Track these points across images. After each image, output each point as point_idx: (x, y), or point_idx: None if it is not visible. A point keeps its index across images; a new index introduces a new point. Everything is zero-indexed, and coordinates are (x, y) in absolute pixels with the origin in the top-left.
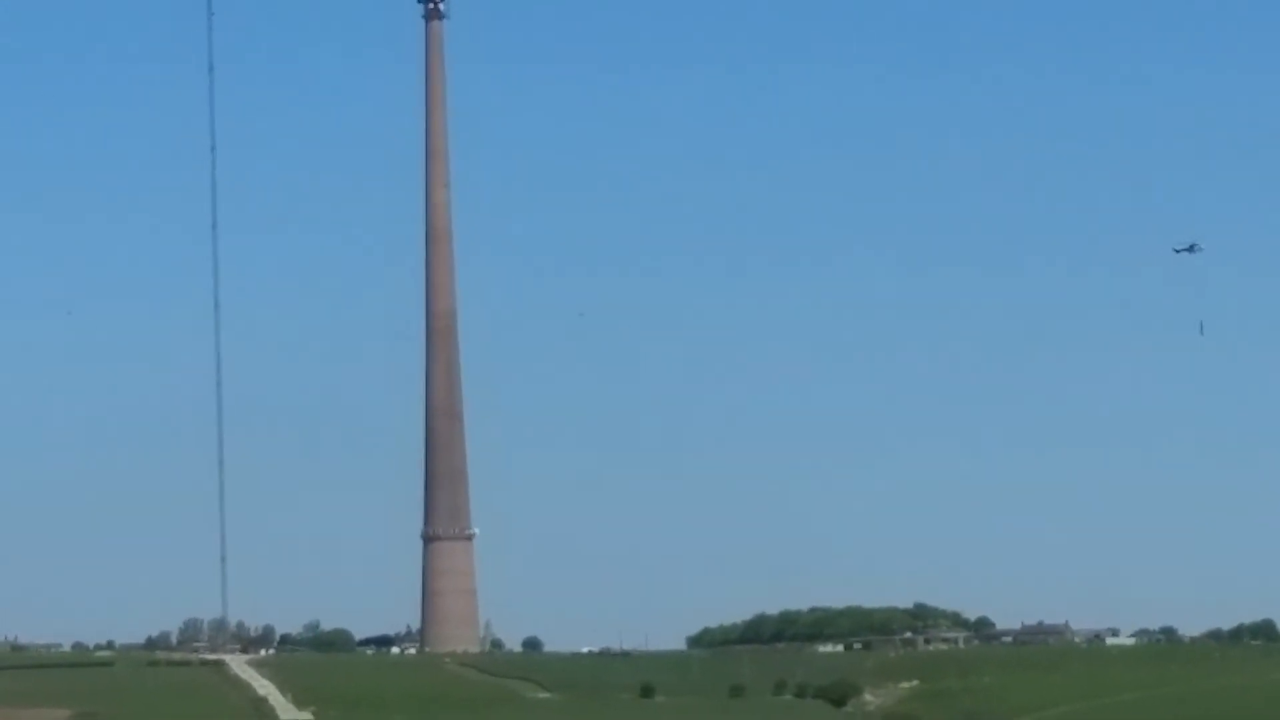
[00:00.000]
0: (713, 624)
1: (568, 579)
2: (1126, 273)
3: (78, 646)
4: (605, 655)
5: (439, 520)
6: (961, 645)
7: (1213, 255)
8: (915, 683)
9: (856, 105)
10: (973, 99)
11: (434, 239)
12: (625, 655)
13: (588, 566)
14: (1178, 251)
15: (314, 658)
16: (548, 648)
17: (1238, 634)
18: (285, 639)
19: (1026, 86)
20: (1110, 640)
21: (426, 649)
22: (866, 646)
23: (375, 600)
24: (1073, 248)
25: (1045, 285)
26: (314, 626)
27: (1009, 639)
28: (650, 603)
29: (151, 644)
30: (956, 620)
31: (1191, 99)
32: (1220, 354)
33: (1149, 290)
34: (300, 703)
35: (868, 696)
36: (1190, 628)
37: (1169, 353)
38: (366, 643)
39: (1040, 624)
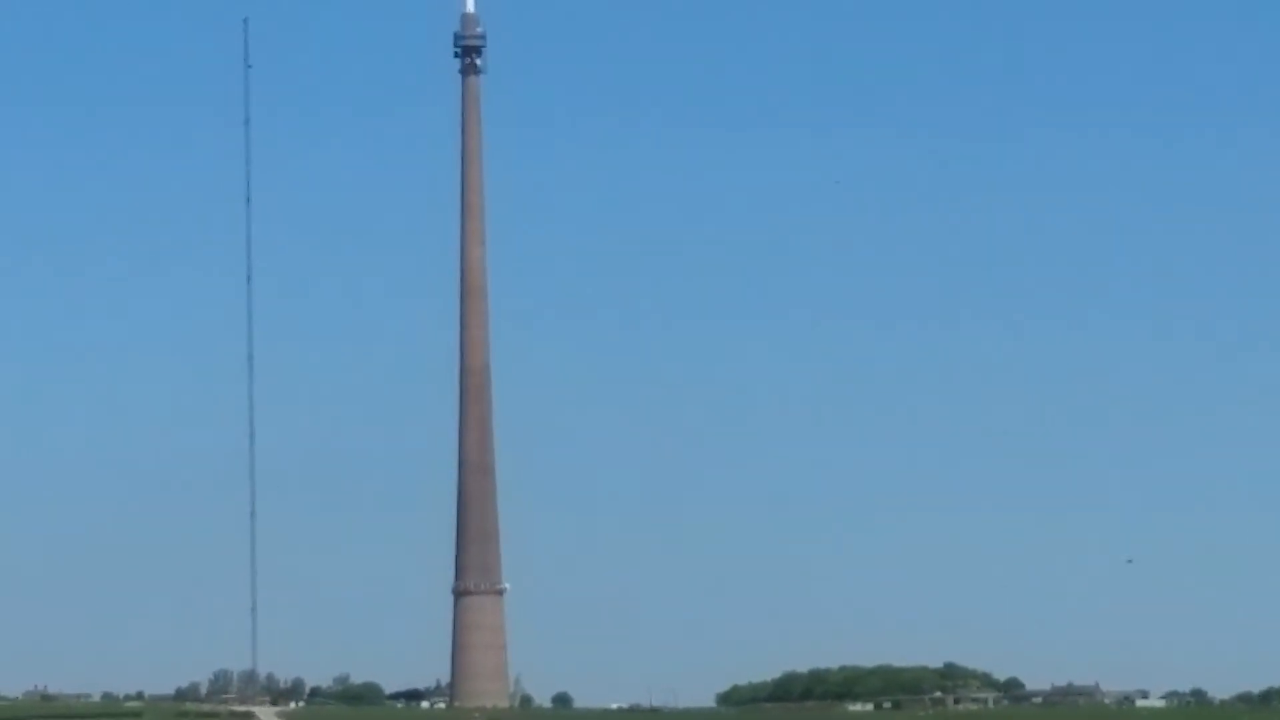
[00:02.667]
0: (742, 681)
1: (598, 635)
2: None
3: (107, 697)
4: (635, 712)
5: (470, 575)
6: (991, 705)
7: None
8: None
9: (903, 165)
10: (1019, 152)
11: (469, 295)
12: (655, 712)
13: (618, 622)
14: None
15: (344, 710)
16: (577, 703)
17: (1268, 696)
18: (315, 691)
19: (1093, 131)
20: (1140, 702)
21: (456, 703)
22: (896, 706)
23: (405, 654)
24: (1116, 305)
25: (1082, 346)
26: (344, 679)
27: (1039, 700)
28: (680, 659)
29: (181, 695)
30: (987, 680)
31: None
32: (1253, 415)
33: (1185, 353)
34: None
35: None
36: (1220, 690)
37: (1192, 414)
38: (396, 696)
39: (1070, 685)
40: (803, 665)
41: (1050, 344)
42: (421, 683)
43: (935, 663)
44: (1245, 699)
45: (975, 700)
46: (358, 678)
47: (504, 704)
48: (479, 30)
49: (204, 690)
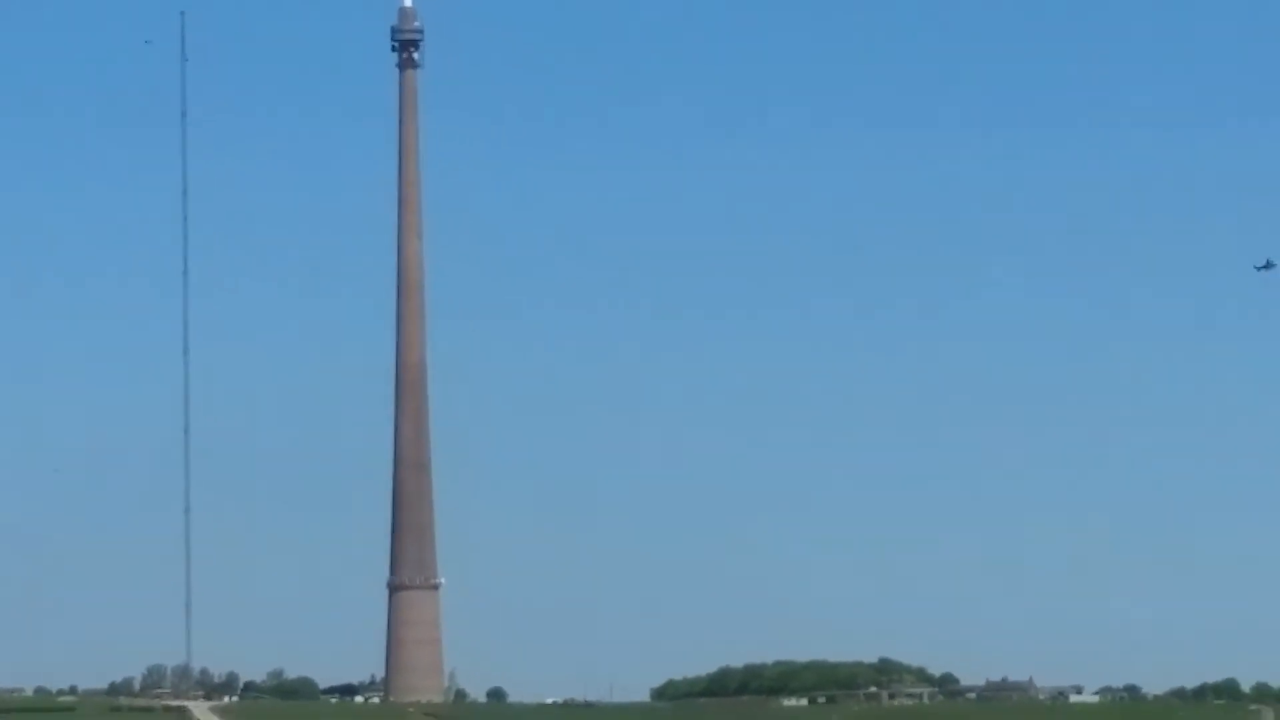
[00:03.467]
0: (677, 676)
1: (533, 629)
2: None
3: (40, 691)
4: (570, 706)
5: (405, 570)
6: (926, 701)
7: None
8: None
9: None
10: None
11: (405, 290)
12: (589, 706)
13: (553, 617)
14: (1259, 270)
15: (278, 705)
16: (512, 698)
17: (1201, 692)
18: (249, 686)
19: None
20: (1074, 698)
21: (391, 698)
22: (831, 700)
23: (340, 649)
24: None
25: (1010, 344)
26: (278, 674)
27: (973, 695)
28: (615, 654)
29: (115, 690)
30: (921, 676)
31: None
32: (1170, 417)
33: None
34: None
35: None
36: (1154, 686)
37: (1115, 417)
38: (330, 691)
39: (1005, 680)
40: (738, 660)
41: (979, 342)
42: (356, 678)
43: (870, 658)
44: (1179, 695)
45: (910, 695)
46: (292, 673)
47: (439, 699)
48: (416, 24)
49: (138, 685)
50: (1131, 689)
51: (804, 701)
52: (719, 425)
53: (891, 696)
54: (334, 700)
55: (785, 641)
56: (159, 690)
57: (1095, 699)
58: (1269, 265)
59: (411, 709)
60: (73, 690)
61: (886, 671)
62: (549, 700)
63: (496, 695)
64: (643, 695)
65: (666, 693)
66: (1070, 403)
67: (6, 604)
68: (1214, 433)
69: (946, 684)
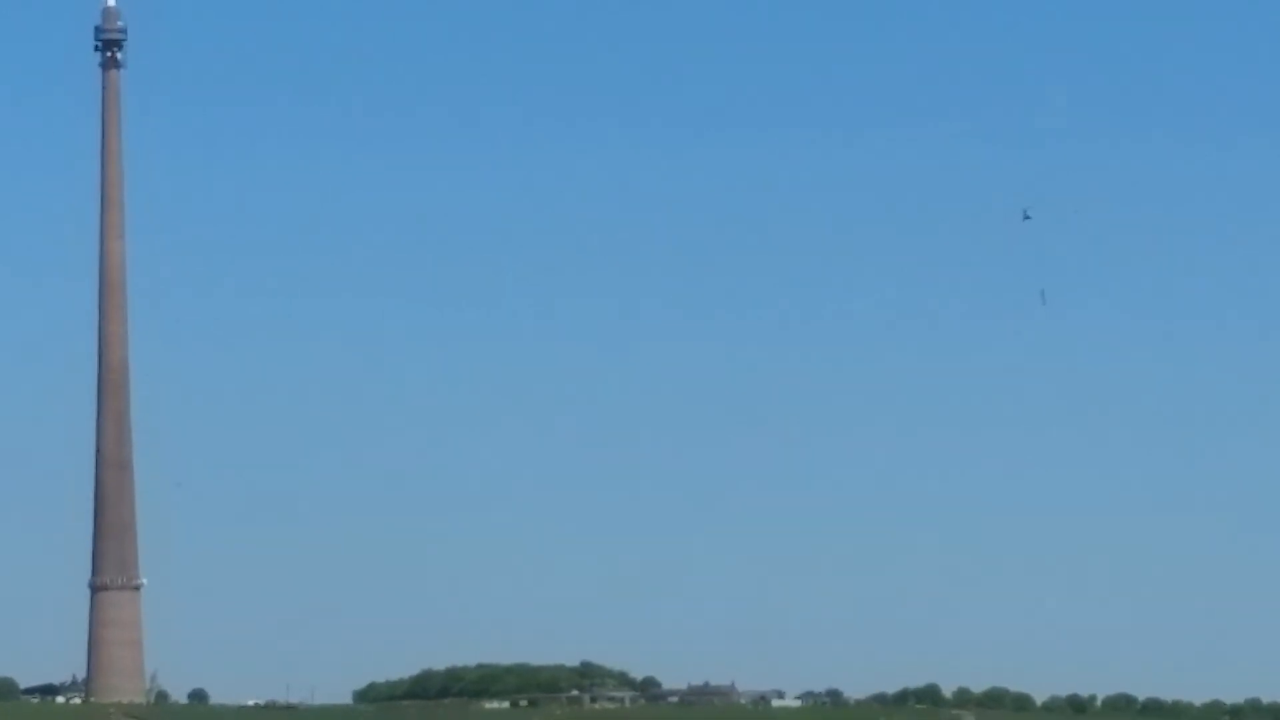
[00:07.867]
0: (379, 679)
1: (235, 631)
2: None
3: None
4: (271, 708)
5: (107, 570)
6: (628, 704)
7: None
8: None
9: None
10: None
11: (108, 290)
12: (291, 709)
13: (255, 618)
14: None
15: None
16: (214, 699)
17: (903, 697)
18: None
19: None
20: (776, 702)
21: (92, 699)
22: (533, 704)
23: (41, 649)
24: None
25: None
26: None
27: (675, 699)
28: (317, 656)
29: None
30: (623, 679)
31: None
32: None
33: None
34: None
35: None
36: (855, 690)
37: (817, 416)
38: (31, 691)
39: (707, 684)
40: (440, 663)
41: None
42: (57, 678)
43: (572, 661)
44: (880, 699)
45: (612, 699)
46: None
47: (140, 700)
48: (120, 24)
49: None
50: (833, 693)
51: (506, 705)
52: (422, 426)
53: (593, 700)
54: (35, 701)
55: (487, 644)
56: None
57: (797, 703)
58: (1027, 216)
59: (113, 710)
60: None
61: (588, 675)
62: (251, 702)
63: (198, 697)
64: (345, 697)
65: (368, 695)
66: (761, 409)
67: None
68: (897, 435)
69: (648, 688)
